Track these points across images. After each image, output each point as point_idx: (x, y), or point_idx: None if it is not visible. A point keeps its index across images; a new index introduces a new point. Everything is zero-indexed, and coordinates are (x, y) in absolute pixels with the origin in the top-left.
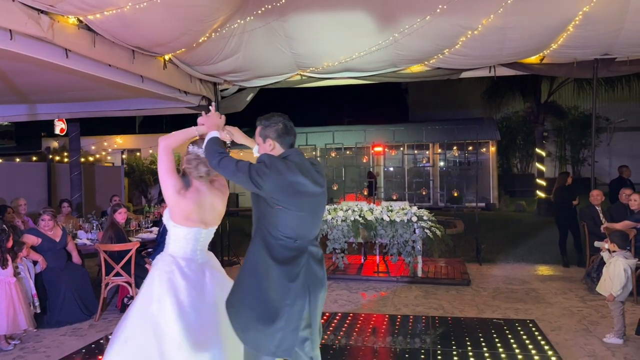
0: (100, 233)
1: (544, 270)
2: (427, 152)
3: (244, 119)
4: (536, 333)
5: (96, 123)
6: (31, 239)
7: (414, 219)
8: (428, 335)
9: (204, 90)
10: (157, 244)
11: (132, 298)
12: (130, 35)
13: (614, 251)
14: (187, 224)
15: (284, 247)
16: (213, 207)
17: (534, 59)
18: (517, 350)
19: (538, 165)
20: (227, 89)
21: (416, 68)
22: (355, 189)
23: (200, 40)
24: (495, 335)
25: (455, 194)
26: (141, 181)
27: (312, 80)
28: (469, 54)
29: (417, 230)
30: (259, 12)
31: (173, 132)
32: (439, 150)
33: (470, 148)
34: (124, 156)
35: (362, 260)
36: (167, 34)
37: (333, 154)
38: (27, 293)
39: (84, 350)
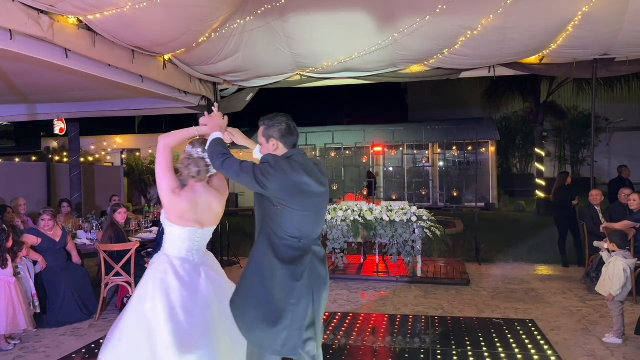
0: (100, 233)
1: (543, 270)
2: (427, 152)
3: (244, 119)
4: (535, 333)
5: (96, 123)
6: (31, 239)
7: (414, 218)
8: (427, 335)
9: (203, 90)
10: (157, 244)
11: None
12: (130, 35)
13: (613, 251)
14: (182, 224)
15: (289, 246)
16: (209, 208)
17: (533, 59)
18: (516, 350)
19: (537, 165)
20: (226, 89)
21: (416, 68)
22: (355, 189)
23: (200, 40)
24: (494, 335)
25: (455, 194)
26: (141, 181)
27: (311, 80)
28: (469, 54)
29: (416, 230)
30: (259, 12)
31: (173, 131)
32: (439, 150)
33: (470, 148)
34: (123, 156)
35: (362, 260)
36: (167, 34)
37: (333, 154)
38: (27, 293)
39: (83, 350)
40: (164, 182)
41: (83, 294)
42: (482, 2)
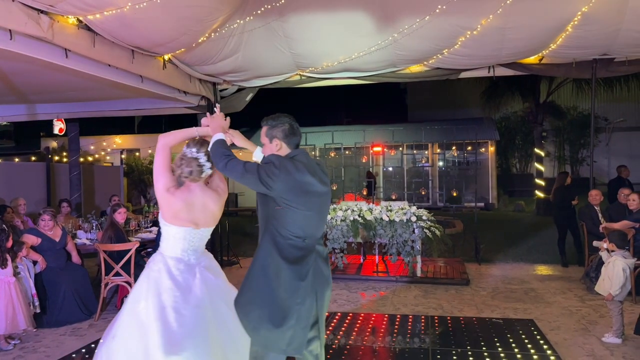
0: (100, 233)
1: (542, 270)
2: (426, 152)
3: (244, 119)
4: (535, 333)
5: (95, 123)
6: (31, 239)
7: (413, 218)
8: (427, 335)
9: (203, 90)
10: (156, 244)
11: None
12: (130, 35)
13: (612, 251)
14: (177, 223)
15: (294, 246)
16: (205, 208)
17: (533, 59)
18: (516, 350)
19: (537, 165)
20: (226, 89)
21: (415, 68)
22: (354, 189)
23: (200, 40)
24: (494, 335)
25: (454, 194)
26: (140, 181)
27: (311, 80)
28: (468, 54)
29: (416, 230)
30: (259, 12)
31: (173, 131)
32: (438, 150)
33: (469, 148)
34: (123, 156)
35: (362, 260)
36: (167, 34)
37: (332, 154)
38: (26, 293)
39: (83, 350)
40: (160, 180)
41: (83, 293)
42: (482, 2)
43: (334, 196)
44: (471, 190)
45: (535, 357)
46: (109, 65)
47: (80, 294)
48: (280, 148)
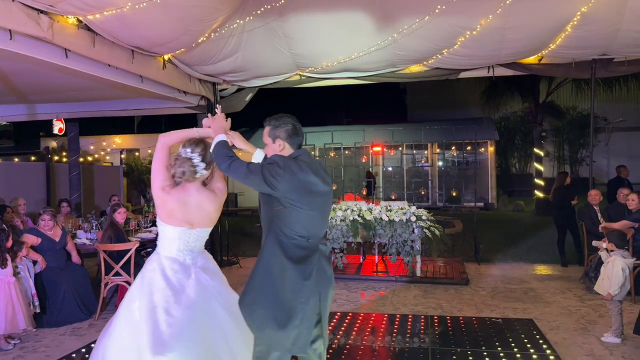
0: (100, 233)
1: (542, 269)
2: (426, 152)
3: (243, 119)
4: (534, 332)
5: (95, 123)
6: (31, 239)
7: (413, 218)
8: (427, 335)
9: (203, 90)
10: (156, 244)
11: None
12: (130, 35)
13: (611, 250)
14: (172, 223)
15: (298, 246)
16: (200, 208)
17: (532, 59)
18: (515, 350)
19: (536, 165)
20: (226, 89)
21: (415, 68)
22: (354, 189)
23: (200, 40)
24: (493, 335)
25: (454, 194)
26: (140, 181)
27: (311, 80)
28: (468, 54)
29: (415, 230)
30: (258, 12)
31: (174, 131)
32: (438, 150)
33: (469, 148)
34: (122, 156)
35: (361, 259)
36: (167, 34)
37: (332, 154)
38: (26, 293)
39: (83, 350)
40: (156, 179)
41: (83, 293)
42: (481, 2)
43: (334, 196)
44: (471, 190)
45: (534, 356)
46: (109, 65)
47: (80, 294)
48: (283, 148)
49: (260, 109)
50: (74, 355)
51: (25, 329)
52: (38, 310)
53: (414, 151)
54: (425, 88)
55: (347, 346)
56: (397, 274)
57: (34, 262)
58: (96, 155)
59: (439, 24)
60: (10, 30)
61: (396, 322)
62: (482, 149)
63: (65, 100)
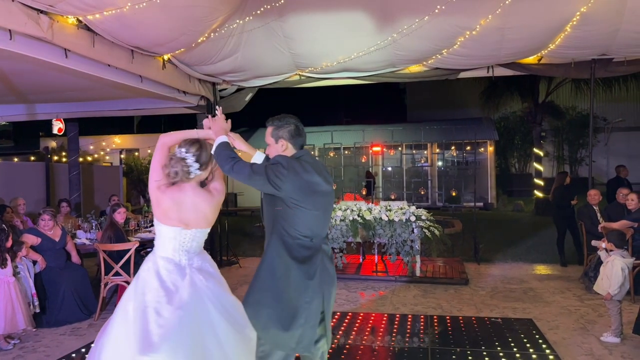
0: (99, 233)
1: (541, 269)
2: (425, 152)
3: (243, 119)
4: (534, 332)
5: (94, 123)
6: (31, 239)
7: (413, 218)
8: (426, 335)
9: (202, 90)
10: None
11: None
12: (130, 35)
13: (611, 250)
14: (167, 222)
15: (302, 246)
16: (196, 209)
17: (531, 59)
18: (515, 349)
19: (536, 165)
20: (225, 89)
21: (414, 68)
22: (353, 189)
23: (199, 41)
24: (493, 334)
25: (454, 194)
26: (139, 181)
27: (310, 80)
28: (467, 54)
29: (415, 230)
30: (258, 12)
31: (175, 132)
32: (437, 150)
33: (469, 148)
34: (122, 156)
35: (361, 259)
36: (166, 34)
37: (331, 154)
38: (26, 293)
39: (83, 350)
40: (153, 178)
41: (82, 293)
42: (481, 2)
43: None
44: (470, 190)
45: (534, 356)
46: (109, 65)
47: (79, 294)
48: (286, 149)
49: (260, 109)
50: (73, 355)
51: (25, 329)
52: (38, 310)
53: (414, 151)
54: (424, 88)
55: (347, 346)
56: (397, 274)
57: (34, 262)
58: (96, 155)
59: (438, 24)
60: (10, 30)
61: (396, 322)
62: (482, 149)
63: (65, 100)
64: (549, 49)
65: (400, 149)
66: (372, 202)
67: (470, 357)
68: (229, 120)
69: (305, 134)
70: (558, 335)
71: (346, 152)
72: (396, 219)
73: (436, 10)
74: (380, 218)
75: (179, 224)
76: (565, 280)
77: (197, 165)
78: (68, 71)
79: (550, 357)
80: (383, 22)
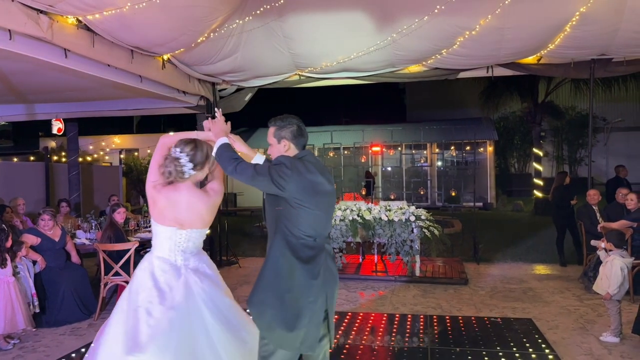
0: (99, 233)
1: (541, 269)
2: (425, 152)
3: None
4: (533, 332)
5: (94, 123)
6: (31, 239)
7: (412, 218)
8: (426, 334)
9: (202, 90)
10: None
11: None
12: (129, 35)
13: (610, 250)
14: (163, 222)
15: (306, 246)
16: (191, 208)
17: (531, 59)
18: (514, 349)
19: (535, 165)
20: (225, 89)
21: (414, 68)
22: (353, 189)
23: (199, 41)
24: (492, 334)
25: (453, 194)
26: (139, 181)
27: (310, 80)
28: (467, 54)
29: (415, 230)
30: (258, 12)
31: (175, 133)
32: (437, 150)
33: (468, 148)
34: (121, 156)
35: (361, 259)
36: (166, 34)
37: (331, 154)
38: (26, 293)
39: (83, 350)
40: (150, 177)
41: (82, 293)
42: (481, 2)
43: None
44: (470, 190)
45: (533, 356)
46: (109, 65)
47: (79, 294)
48: (289, 149)
49: (260, 109)
50: (73, 355)
51: (25, 329)
52: (37, 310)
53: (413, 151)
54: (424, 88)
55: (347, 346)
56: (397, 274)
57: (34, 262)
58: (95, 155)
59: (438, 24)
60: (9, 30)
61: (395, 322)
62: (481, 149)
63: (65, 100)
64: (548, 49)
65: (399, 149)
66: (372, 202)
67: (469, 357)
68: (229, 122)
69: (307, 134)
70: (557, 335)
71: (346, 152)
72: (396, 219)
73: (436, 10)
74: (380, 218)
75: (174, 223)
76: (564, 280)
77: (190, 165)
78: (68, 71)
79: (550, 356)
80: (383, 22)
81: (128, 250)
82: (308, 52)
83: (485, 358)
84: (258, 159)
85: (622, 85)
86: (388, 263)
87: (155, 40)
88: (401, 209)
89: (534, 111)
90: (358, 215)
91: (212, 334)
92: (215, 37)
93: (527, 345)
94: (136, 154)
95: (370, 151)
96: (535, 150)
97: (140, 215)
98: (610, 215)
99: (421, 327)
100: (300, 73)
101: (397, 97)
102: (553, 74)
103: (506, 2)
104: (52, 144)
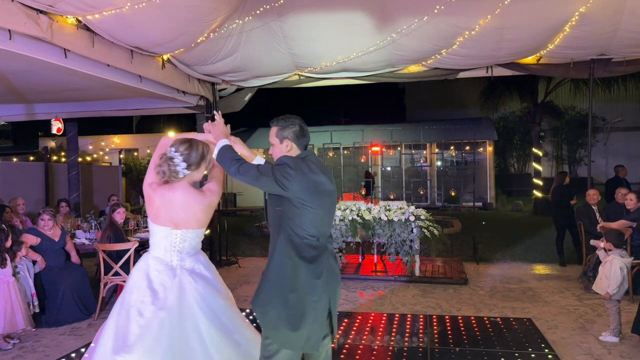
0: (99, 233)
1: (540, 269)
2: (425, 152)
3: (242, 119)
4: (533, 331)
5: (93, 123)
6: (31, 239)
7: (412, 218)
8: (426, 334)
9: (202, 90)
10: None
11: None
12: (129, 35)
13: (609, 250)
14: (158, 222)
15: (310, 245)
16: (186, 207)
17: (530, 59)
18: (514, 349)
19: (535, 165)
20: (225, 89)
21: (414, 68)
22: (353, 189)
23: (199, 40)
24: (492, 334)
25: (453, 194)
26: (139, 181)
27: (310, 80)
28: (466, 54)
29: (414, 230)
30: (257, 12)
31: (176, 135)
32: (437, 150)
33: (468, 148)
34: (121, 156)
35: (360, 259)
36: (166, 34)
37: (331, 154)
38: (26, 292)
39: (82, 350)
40: (147, 176)
41: (82, 293)
42: (480, 2)
43: None
44: (469, 190)
45: (533, 355)
46: (108, 65)
47: (79, 294)
48: (291, 149)
49: (259, 109)
50: (73, 355)
51: (25, 329)
52: (37, 310)
53: (413, 151)
54: (424, 88)
55: (346, 346)
56: (396, 274)
57: (34, 262)
58: (95, 155)
59: (437, 24)
60: (9, 30)
61: (395, 322)
62: (481, 149)
63: (64, 100)
64: (548, 49)
65: (399, 148)
66: (372, 202)
67: (469, 357)
68: (228, 125)
69: (309, 135)
70: (557, 334)
71: (345, 152)
72: (395, 219)
73: (435, 11)
74: (380, 218)
75: (169, 223)
76: (564, 279)
77: (184, 165)
78: (67, 71)
79: (549, 356)
80: (382, 22)
81: (128, 250)
82: (308, 52)
83: (485, 358)
84: (258, 160)
85: (622, 85)
86: (388, 263)
87: (155, 40)
88: (401, 209)
89: (533, 111)
90: (358, 215)
91: (204, 336)
92: (215, 37)
93: (527, 345)
94: (136, 154)
95: (369, 151)
96: (534, 150)
97: (139, 215)
98: (609, 215)
99: (421, 327)
100: (299, 73)
101: (397, 97)
102: (553, 74)
103: (506, 2)
104: (52, 144)
